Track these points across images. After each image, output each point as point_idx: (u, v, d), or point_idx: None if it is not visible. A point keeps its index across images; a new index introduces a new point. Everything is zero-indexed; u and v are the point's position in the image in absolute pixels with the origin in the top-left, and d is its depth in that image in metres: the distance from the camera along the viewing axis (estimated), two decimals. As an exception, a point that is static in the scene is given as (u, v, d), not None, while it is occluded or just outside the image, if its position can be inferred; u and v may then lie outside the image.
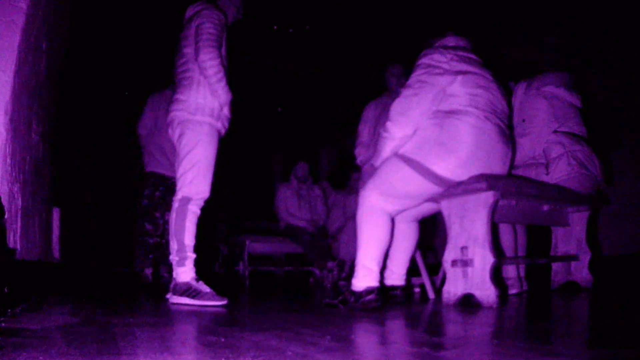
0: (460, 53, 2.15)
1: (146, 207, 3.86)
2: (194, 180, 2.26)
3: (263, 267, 5.16)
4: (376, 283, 2.07)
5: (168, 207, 3.38)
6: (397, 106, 2.14)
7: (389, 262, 2.39)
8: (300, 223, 4.81)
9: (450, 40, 2.24)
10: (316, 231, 4.84)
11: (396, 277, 2.42)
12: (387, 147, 2.17)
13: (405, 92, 2.14)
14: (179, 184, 2.29)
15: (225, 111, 2.40)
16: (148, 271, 3.84)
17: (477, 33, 2.35)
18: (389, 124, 2.14)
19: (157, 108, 3.88)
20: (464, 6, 4.86)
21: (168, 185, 3.83)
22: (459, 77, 2.07)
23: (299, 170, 5.13)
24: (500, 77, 2.24)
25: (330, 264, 4.56)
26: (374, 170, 2.23)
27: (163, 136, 3.59)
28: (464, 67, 2.10)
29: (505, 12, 4.93)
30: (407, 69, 2.29)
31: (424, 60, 2.15)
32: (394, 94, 3.05)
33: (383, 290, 2.16)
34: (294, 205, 4.93)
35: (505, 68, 2.73)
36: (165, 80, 3.87)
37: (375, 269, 2.08)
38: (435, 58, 2.12)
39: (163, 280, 3.76)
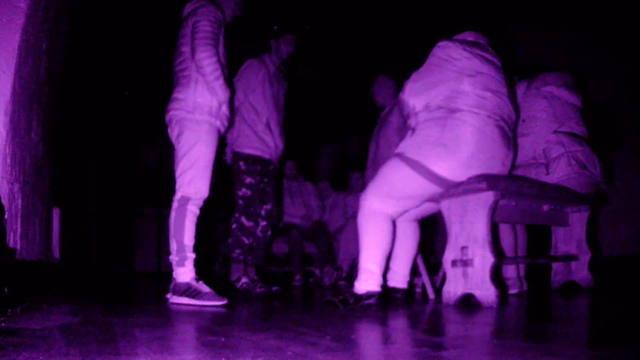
0: (477, 51, 2.11)
1: (249, 198, 3.13)
2: (193, 179, 2.26)
3: (263, 267, 5.15)
4: (378, 288, 2.07)
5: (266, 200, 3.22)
6: (412, 77, 2.18)
7: (391, 264, 2.38)
8: (292, 219, 4.84)
9: (470, 35, 2.22)
10: (311, 226, 4.85)
11: (399, 279, 2.41)
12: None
13: (419, 70, 2.18)
14: (178, 184, 2.29)
15: (224, 109, 2.38)
16: (245, 280, 3.09)
17: (481, 33, 2.34)
18: (401, 95, 2.20)
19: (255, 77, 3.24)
20: (468, 6, 4.85)
21: (269, 172, 3.27)
22: (470, 78, 2.06)
23: (286, 170, 5.17)
24: (511, 81, 2.25)
25: (327, 269, 4.56)
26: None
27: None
28: (477, 67, 2.07)
29: (508, 13, 4.92)
30: (406, 71, 2.30)
31: (439, 53, 2.13)
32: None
33: (384, 294, 2.16)
34: (286, 203, 4.96)
35: (508, 69, 2.72)
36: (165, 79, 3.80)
37: (378, 272, 2.08)
38: (451, 54, 2.09)
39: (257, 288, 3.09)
